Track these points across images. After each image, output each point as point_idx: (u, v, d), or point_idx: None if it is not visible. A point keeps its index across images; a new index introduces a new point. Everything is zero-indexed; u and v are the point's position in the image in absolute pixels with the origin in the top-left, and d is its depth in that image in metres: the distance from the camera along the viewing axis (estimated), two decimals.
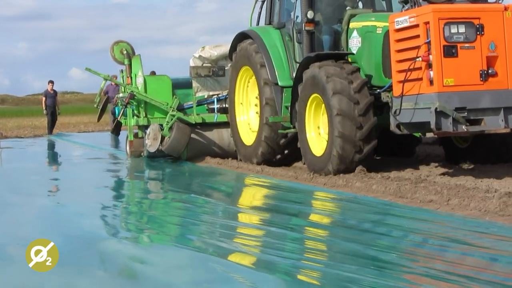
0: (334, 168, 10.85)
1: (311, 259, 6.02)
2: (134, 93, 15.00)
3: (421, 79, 9.49)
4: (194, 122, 14.85)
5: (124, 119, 15.93)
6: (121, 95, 15.81)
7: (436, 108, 9.23)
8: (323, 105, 11.34)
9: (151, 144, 14.77)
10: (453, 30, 9.31)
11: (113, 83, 29.19)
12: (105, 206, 9.52)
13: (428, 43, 9.34)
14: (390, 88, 10.90)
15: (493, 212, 7.32)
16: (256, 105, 13.80)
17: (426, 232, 6.84)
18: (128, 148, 16.07)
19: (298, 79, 11.93)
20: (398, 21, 9.87)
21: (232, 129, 14.25)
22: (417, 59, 9.40)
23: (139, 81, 15.32)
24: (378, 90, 11.13)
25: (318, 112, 11.58)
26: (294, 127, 12.33)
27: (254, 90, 13.86)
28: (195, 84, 15.19)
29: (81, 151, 20.39)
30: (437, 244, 6.31)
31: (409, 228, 6.97)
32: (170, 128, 14.58)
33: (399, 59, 9.94)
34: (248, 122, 14.04)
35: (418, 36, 9.49)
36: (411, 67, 9.49)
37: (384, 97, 11.03)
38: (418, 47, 9.44)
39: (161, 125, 14.77)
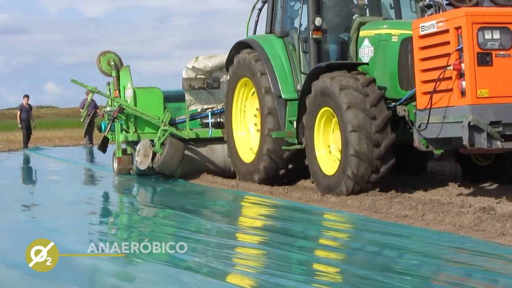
0: (347, 189, 9.92)
1: (283, 275, 5.82)
2: (123, 106, 13.98)
3: (451, 90, 8.60)
4: (187, 138, 13.85)
5: (111, 134, 14.90)
6: (108, 108, 14.79)
7: (469, 122, 8.33)
8: (334, 119, 10.44)
9: (141, 161, 13.76)
10: (487, 36, 8.42)
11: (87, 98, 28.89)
12: (81, 221, 9.14)
13: (460, 50, 8.46)
14: (407, 101, 10.06)
15: (468, 227, 7.36)
16: (255, 116, 12.84)
17: (401, 247, 6.77)
18: (115, 165, 15.02)
19: (305, 91, 11.01)
20: (423, 26, 8.98)
21: (229, 146, 13.28)
22: (448, 68, 8.50)
23: (128, 93, 14.32)
24: (394, 104, 10.26)
25: (329, 127, 10.68)
26: (300, 143, 11.40)
27: (253, 103, 12.93)
28: (188, 97, 14.20)
29: (57, 165, 19.83)
30: (412, 259, 6.28)
31: (384, 243, 6.90)
32: (162, 144, 13.59)
33: (424, 68, 9.06)
34: (247, 138, 13.08)
35: (448, 43, 8.61)
36: (441, 76, 8.59)
37: (401, 111, 10.17)
38: (448, 55, 8.55)
39: (152, 140, 13.77)
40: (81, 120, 15.47)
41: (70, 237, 7.80)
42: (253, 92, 12.78)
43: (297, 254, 6.71)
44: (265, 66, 12.06)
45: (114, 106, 14.64)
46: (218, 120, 14.32)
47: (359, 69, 10.81)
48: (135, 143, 14.21)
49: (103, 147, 14.82)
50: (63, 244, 7.14)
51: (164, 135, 13.63)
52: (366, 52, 10.96)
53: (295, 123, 11.61)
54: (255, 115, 12.85)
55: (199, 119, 14.60)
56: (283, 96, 11.90)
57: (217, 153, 14.02)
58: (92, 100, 28.06)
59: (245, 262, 6.44)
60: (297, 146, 11.53)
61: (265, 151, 11.96)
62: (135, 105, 14.10)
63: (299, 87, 11.85)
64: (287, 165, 12.07)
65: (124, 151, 14.61)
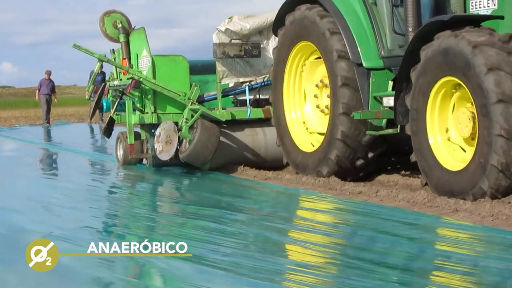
0: (492, 185, 7.06)
1: (244, 253, 5.63)
2: (140, 79, 10.91)
3: None
4: (223, 120, 10.88)
5: (117, 115, 11.88)
6: (116, 82, 11.70)
7: None
8: (458, 93, 7.65)
9: (162, 149, 10.76)
10: None
11: (47, 77, 26.44)
12: (38, 201, 8.61)
13: None
14: None
15: (422, 203, 7.35)
16: (317, 87, 9.96)
17: (355, 223, 6.81)
18: (121, 153, 12.01)
19: (409, 57, 8.14)
20: None
21: (279, 132, 10.37)
22: None
23: (144, 63, 11.25)
24: None
25: (447, 105, 7.83)
26: (393, 127, 8.59)
27: (312, 75, 10.06)
28: (220, 67, 11.16)
29: (13, 145, 18.59)
30: (366, 235, 6.22)
31: (339, 220, 6.99)
32: (191, 128, 10.61)
33: None
34: (304, 120, 10.18)
35: None
36: None
37: None
38: None
39: (176, 123, 10.78)
40: (87, 97, 12.21)
41: (21, 217, 7.46)
42: (313, 60, 9.93)
43: (254, 233, 6.50)
44: (338, 25, 9.16)
45: (122, 79, 11.62)
46: (257, 97, 11.39)
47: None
48: (152, 126, 11.23)
49: (109, 130, 11.76)
50: (15, 223, 7.09)
51: (193, 116, 10.65)
52: (483, 4, 8.14)
53: (385, 99, 8.78)
54: (316, 85, 9.95)
55: (232, 96, 11.65)
56: (364, 64, 9.02)
57: (256, 139, 11.11)
58: (51, 81, 25.58)
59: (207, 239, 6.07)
60: (390, 131, 8.71)
61: (339, 135, 9.08)
62: (154, 77, 11.06)
63: (384, 53, 9.03)
64: (367, 154, 9.22)
65: (136, 136, 11.56)
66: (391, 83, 8.93)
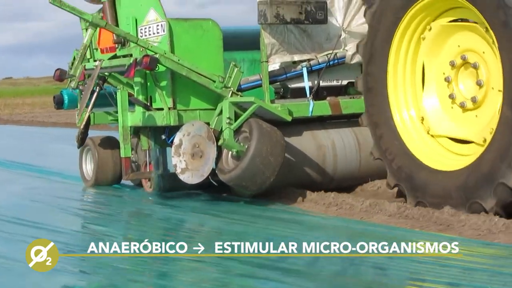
0: None
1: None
2: (157, 56, 6.86)
3: None
4: (289, 119, 7.06)
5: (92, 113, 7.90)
6: (97, 62, 7.57)
7: None
8: None
9: (187, 166, 6.86)
10: None
11: None
12: None
13: None
14: None
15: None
16: (447, 80, 6.35)
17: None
18: (90, 169, 8.20)
19: None
20: None
21: (377, 138, 6.70)
22: None
23: (153, 31, 7.24)
24: None
25: None
26: None
27: (441, 46, 6.47)
28: (269, 38, 7.29)
29: None
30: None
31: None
32: (237, 132, 6.79)
33: None
34: (421, 116, 6.56)
35: None
36: None
37: None
38: None
39: (208, 124, 6.92)
40: (73, 85, 7.89)
41: None
42: (447, 23, 6.35)
43: None
44: None
45: (100, 60, 7.60)
46: (317, 82, 7.67)
47: None
48: (162, 130, 7.32)
49: (84, 136, 7.77)
50: None
51: (239, 113, 6.81)
52: None
53: None
54: (451, 63, 6.32)
55: (278, 83, 7.87)
56: None
57: (321, 149, 7.40)
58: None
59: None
60: None
61: None
62: (172, 53, 7.08)
63: None
64: None
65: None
66: None
